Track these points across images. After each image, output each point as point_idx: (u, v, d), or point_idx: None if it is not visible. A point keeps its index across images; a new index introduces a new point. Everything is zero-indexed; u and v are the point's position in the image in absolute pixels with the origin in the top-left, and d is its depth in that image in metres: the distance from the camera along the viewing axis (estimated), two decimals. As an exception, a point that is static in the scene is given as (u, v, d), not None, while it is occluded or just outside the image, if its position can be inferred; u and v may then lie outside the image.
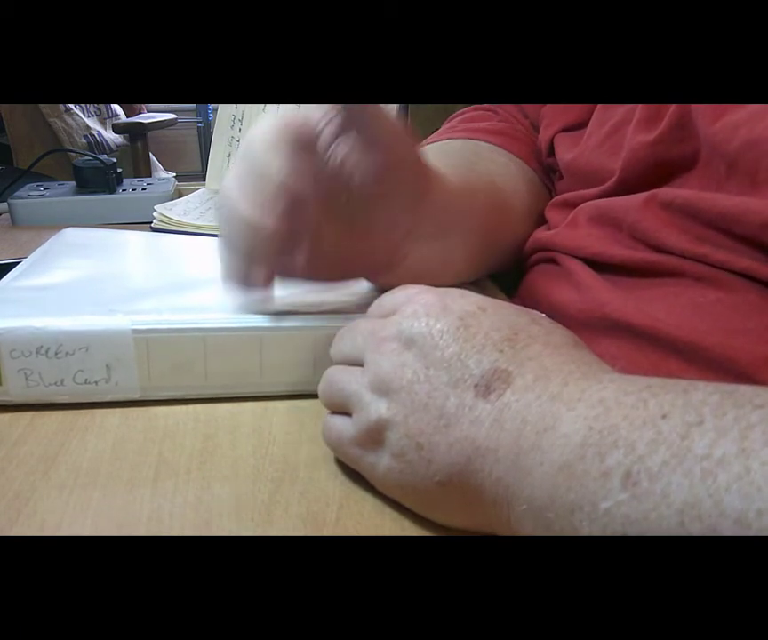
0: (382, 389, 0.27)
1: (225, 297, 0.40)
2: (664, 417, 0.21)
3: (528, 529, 0.24)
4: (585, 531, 0.21)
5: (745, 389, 0.21)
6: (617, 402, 0.22)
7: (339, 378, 0.30)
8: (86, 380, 0.34)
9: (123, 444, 0.33)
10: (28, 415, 0.34)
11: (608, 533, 0.21)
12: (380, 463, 0.27)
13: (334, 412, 0.31)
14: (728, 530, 0.18)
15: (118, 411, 0.35)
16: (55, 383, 0.34)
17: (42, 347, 0.33)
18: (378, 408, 0.27)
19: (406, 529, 0.27)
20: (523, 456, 0.23)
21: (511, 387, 0.25)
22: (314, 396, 0.37)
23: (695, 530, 0.19)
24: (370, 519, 0.28)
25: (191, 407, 0.36)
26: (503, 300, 0.34)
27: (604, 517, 0.21)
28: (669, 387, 0.22)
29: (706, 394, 0.21)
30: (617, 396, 0.23)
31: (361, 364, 0.29)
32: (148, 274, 0.46)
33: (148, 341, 0.34)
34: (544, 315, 0.29)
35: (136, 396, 0.35)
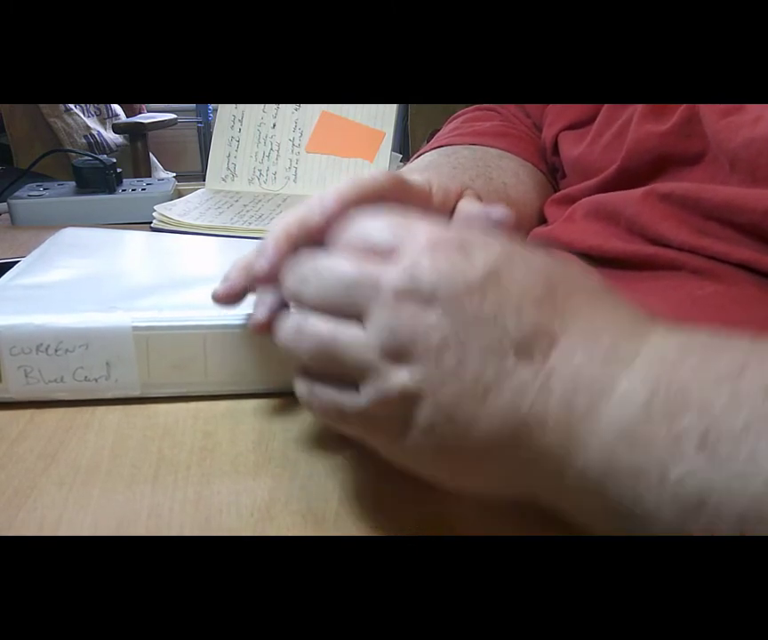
0: (402, 355, 0.23)
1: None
2: (740, 376, 0.19)
3: (579, 501, 0.22)
4: (651, 499, 0.20)
5: None
6: (680, 360, 0.20)
7: (328, 335, 0.25)
8: (86, 377, 0.34)
9: (123, 441, 0.33)
10: (28, 412, 0.34)
11: (679, 503, 0.19)
12: (403, 439, 0.24)
13: (315, 375, 0.27)
14: None
15: (118, 408, 0.35)
16: (55, 380, 0.34)
17: (42, 344, 0.34)
18: (399, 379, 0.23)
19: (405, 526, 0.28)
20: (576, 424, 0.21)
21: (557, 348, 0.22)
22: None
23: None
24: (369, 515, 0.28)
25: (191, 404, 0.36)
26: None
27: (675, 486, 0.19)
28: (732, 344, 0.21)
29: None
30: (679, 352, 0.21)
31: (353, 314, 0.25)
32: (148, 272, 0.46)
33: (148, 338, 0.34)
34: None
35: (136, 393, 0.35)
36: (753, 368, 0.19)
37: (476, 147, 0.50)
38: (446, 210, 0.34)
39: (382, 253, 0.24)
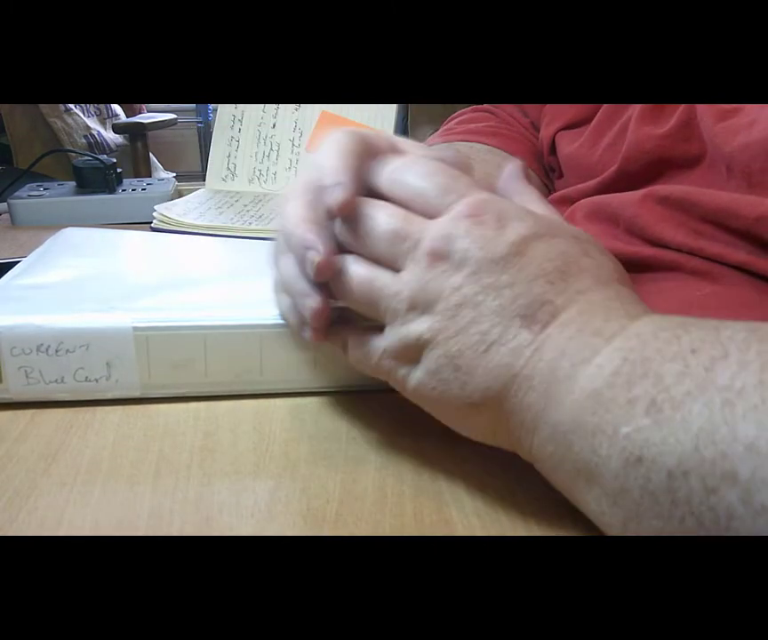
0: (425, 307, 0.27)
1: (225, 295, 0.40)
2: (693, 351, 0.22)
3: (548, 452, 0.25)
4: (603, 452, 0.23)
5: None
6: (653, 336, 0.23)
7: (369, 279, 0.29)
8: (87, 377, 0.34)
9: (123, 441, 0.33)
10: (29, 413, 0.34)
11: (624, 456, 0.22)
12: (413, 377, 0.28)
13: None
14: (738, 455, 0.19)
15: (119, 408, 0.35)
16: (55, 381, 0.34)
17: (42, 344, 0.34)
18: (418, 326, 0.27)
19: (406, 526, 0.28)
20: (555, 385, 0.24)
21: (556, 319, 0.25)
22: (314, 393, 0.37)
23: (708, 454, 0.20)
24: (370, 516, 0.28)
25: (191, 405, 0.36)
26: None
27: (623, 441, 0.22)
28: (702, 324, 0.23)
29: (734, 331, 0.22)
30: (654, 330, 0.24)
31: (391, 263, 0.28)
32: (149, 272, 0.46)
33: (148, 339, 0.34)
34: (592, 238, 0.29)
35: (136, 393, 0.35)
36: (705, 347, 0.22)
37: (466, 143, 0.51)
38: None
39: (426, 208, 0.28)
